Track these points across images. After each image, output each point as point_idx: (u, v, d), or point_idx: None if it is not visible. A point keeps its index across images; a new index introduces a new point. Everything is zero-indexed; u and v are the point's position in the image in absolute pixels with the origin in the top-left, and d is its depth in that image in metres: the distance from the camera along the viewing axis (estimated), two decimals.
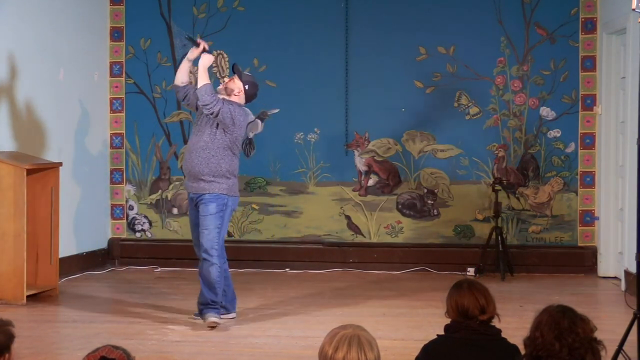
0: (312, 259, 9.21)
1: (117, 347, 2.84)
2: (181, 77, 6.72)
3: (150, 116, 9.50)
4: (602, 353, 3.23)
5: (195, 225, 6.59)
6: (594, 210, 8.99)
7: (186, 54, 6.79)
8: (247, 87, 6.60)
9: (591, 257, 8.91)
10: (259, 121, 9.39)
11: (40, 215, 7.57)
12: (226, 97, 6.54)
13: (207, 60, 6.58)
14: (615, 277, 8.52)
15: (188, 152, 6.62)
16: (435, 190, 9.22)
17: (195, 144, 6.52)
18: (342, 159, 9.30)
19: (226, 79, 6.81)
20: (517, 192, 9.12)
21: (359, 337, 2.83)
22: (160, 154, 9.53)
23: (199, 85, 6.45)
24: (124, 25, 9.52)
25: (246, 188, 9.36)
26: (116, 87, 9.55)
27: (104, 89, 9.49)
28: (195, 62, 6.69)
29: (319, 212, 9.31)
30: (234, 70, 6.68)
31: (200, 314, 6.56)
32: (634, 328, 5.07)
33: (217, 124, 6.47)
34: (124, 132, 9.56)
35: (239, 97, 6.60)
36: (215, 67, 9.40)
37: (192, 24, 9.43)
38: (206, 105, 6.39)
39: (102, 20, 9.46)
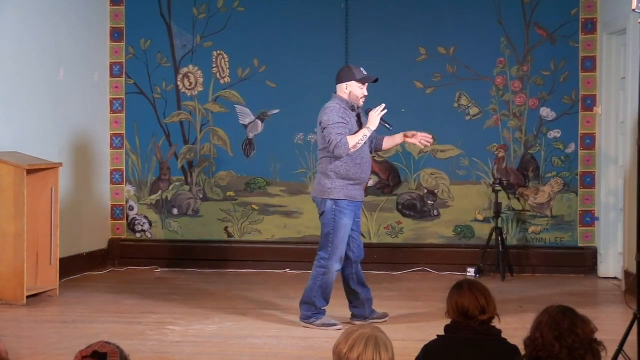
0: (312, 259, 9.17)
1: (109, 343, 2.86)
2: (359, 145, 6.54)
3: (150, 116, 9.50)
4: (602, 354, 3.23)
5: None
6: (594, 210, 8.99)
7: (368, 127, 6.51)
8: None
9: (591, 257, 8.91)
10: (258, 121, 9.42)
11: (40, 215, 7.57)
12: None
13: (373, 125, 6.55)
14: (615, 278, 8.52)
15: (362, 162, 6.57)
16: (435, 191, 9.22)
17: (367, 154, 6.65)
18: None
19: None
20: (517, 192, 9.12)
21: (375, 337, 2.82)
22: (160, 154, 9.52)
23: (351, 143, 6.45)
24: (123, 25, 9.52)
25: (246, 188, 9.36)
26: (116, 87, 9.55)
27: (104, 89, 9.49)
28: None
29: None
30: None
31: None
32: (634, 328, 5.06)
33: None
34: (124, 132, 9.56)
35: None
36: (215, 67, 9.41)
37: (192, 24, 9.43)
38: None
39: (102, 21, 9.46)
